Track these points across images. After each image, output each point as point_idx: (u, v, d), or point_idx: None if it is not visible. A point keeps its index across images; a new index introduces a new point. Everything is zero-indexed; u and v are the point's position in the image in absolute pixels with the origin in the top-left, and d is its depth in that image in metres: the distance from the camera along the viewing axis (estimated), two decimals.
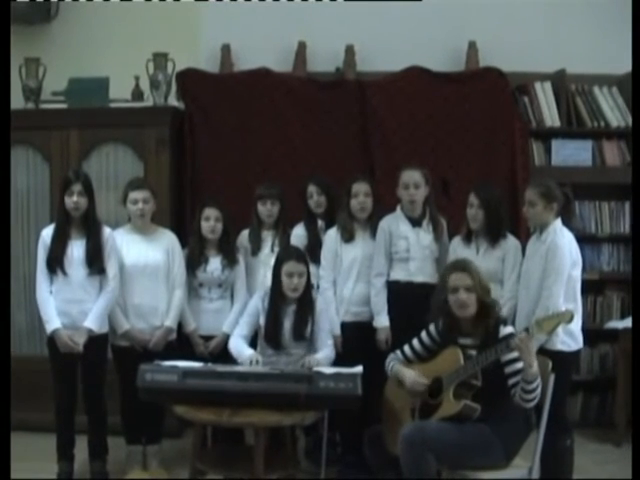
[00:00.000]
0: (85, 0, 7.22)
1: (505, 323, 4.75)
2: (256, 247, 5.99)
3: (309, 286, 5.48)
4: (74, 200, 5.43)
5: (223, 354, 5.61)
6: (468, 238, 5.67)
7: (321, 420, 5.27)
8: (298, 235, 6.03)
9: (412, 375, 4.82)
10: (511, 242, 5.62)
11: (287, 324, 5.38)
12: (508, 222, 5.75)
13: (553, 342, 5.01)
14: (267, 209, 5.98)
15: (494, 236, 5.57)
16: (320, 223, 6.06)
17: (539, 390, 4.48)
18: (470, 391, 4.55)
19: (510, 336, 4.52)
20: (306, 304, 5.42)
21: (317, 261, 5.91)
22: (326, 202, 6.03)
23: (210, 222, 5.82)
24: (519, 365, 4.51)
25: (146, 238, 5.76)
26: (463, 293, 4.69)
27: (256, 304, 5.49)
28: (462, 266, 4.84)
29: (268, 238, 6.01)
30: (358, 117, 6.88)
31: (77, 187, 5.44)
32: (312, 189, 6.02)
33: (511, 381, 4.56)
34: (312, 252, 5.93)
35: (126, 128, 6.65)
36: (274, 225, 6.04)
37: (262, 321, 5.42)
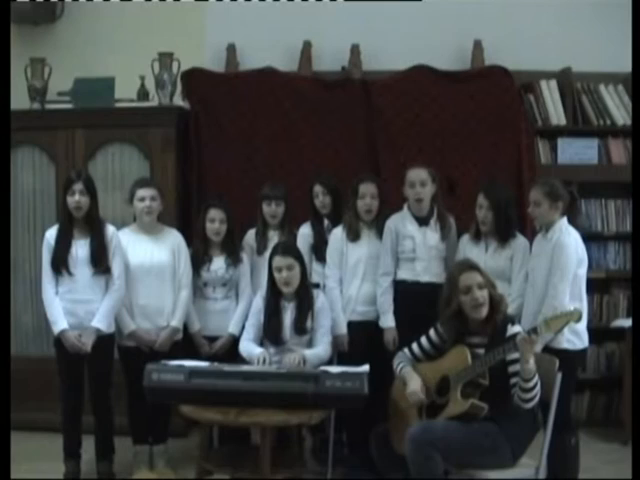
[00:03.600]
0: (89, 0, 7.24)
1: (513, 322, 4.73)
2: (262, 247, 5.99)
3: (305, 280, 5.48)
4: (76, 199, 5.43)
5: (228, 355, 5.62)
6: (477, 236, 5.65)
7: (327, 420, 5.27)
8: (304, 234, 6.03)
9: (413, 386, 4.78)
10: (520, 241, 5.60)
11: (287, 321, 5.39)
12: (517, 222, 5.73)
13: (559, 341, 5.00)
14: (272, 210, 5.97)
15: (504, 236, 5.55)
16: (327, 222, 6.05)
17: (537, 390, 4.48)
18: (477, 390, 4.55)
19: (517, 335, 4.51)
20: (305, 298, 5.42)
21: (323, 260, 5.91)
22: (331, 202, 6.01)
23: (215, 224, 5.81)
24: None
25: (152, 238, 5.76)
26: (477, 291, 4.67)
27: (258, 304, 5.49)
28: (470, 264, 4.84)
29: (274, 238, 5.99)
30: (364, 116, 6.88)
31: (78, 186, 5.44)
32: (318, 189, 6.01)
33: (512, 381, 4.55)
34: (318, 251, 5.94)
35: (132, 128, 6.66)
36: (280, 225, 6.03)
37: (262, 319, 5.44)
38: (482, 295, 4.66)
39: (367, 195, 5.79)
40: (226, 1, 7.20)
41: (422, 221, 5.75)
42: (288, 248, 5.49)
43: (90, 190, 5.51)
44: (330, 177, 6.09)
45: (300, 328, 5.37)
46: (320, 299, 5.50)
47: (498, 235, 5.57)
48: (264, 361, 5.15)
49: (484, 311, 4.67)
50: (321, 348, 5.35)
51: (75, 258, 5.46)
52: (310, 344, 5.39)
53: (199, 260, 5.85)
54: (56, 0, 7.18)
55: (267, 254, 5.79)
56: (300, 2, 7.18)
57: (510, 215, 5.58)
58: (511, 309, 5.22)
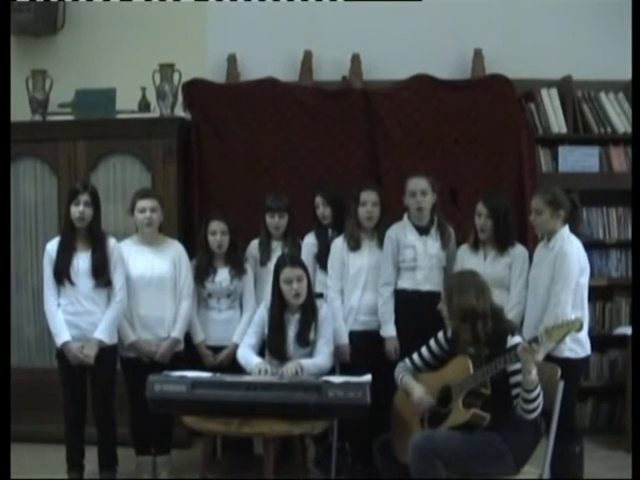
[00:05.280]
0: (91, 9, 7.24)
1: (513, 333, 4.71)
2: (265, 257, 5.98)
3: (311, 291, 5.47)
4: (80, 210, 5.44)
5: (233, 365, 5.60)
6: (476, 246, 5.67)
7: (330, 429, 5.26)
8: (309, 244, 6.04)
9: (419, 392, 4.81)
10: (519, 250, 5.62)
11: (291, 333, 5.37)
12: (516, 230, 5.74)
13: (561, 349, 5.01)
14: (275, 222, 5.97)
15: (502, 245, 5.57)
16: (330, 232, 6.05)
17: (540, 400, 4.47)
18: (479, 400, 4.54)
19: (519, 346, 4.50)
20: (310, 309, 5.40)
21: (327, 269, 5.91)
22: (332, 213, 5.99)
23: (217, 236, 5.81)
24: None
25: (153, 249, 5.77)
26: (440, 304, 4.82)
27: (262, 314, 5.47)
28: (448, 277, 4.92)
29: (277, 248, 5.99)
30: (365, 126, 6.88)
31: (84, 197, 5.45)
32: (318, 200, 6.01)
33: (514, 392, 4.55)
34: (322, 260, 5.95)
35: (133, 139, 6.66)
36: (283, 235, 6.03)
37: (265, 330, 5.43)
38: (441, 307, 4.82)
39: (368, 202, 5.79)
40: (226, 11, 7.21)
41: (423, 230, 5.76)
42: (295, 259, 5.49)
43: (94, 202, 5.52)
44: (332, 188, 6.09)
45: (304, 340, 5.36)
46: (323, 309, 5.48)
47: (497, 243, 5.59)
48: (264, 372, 5.14)
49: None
50: (320, 358, 5.32)
51: (77, 270, 5.47)
52: (312, 355, 5.38)
53: (203, 272, 5.85)
54: (57, 11, 7.19)
55: (270, 265, 5.79)
56: (300, 12, 7.18)
57: (509, 223, 5.60)
58: (509, 316, 5.22)
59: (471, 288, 4.71)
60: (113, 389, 5.62)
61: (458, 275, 5.01)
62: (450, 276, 5.02)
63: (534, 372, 4.41)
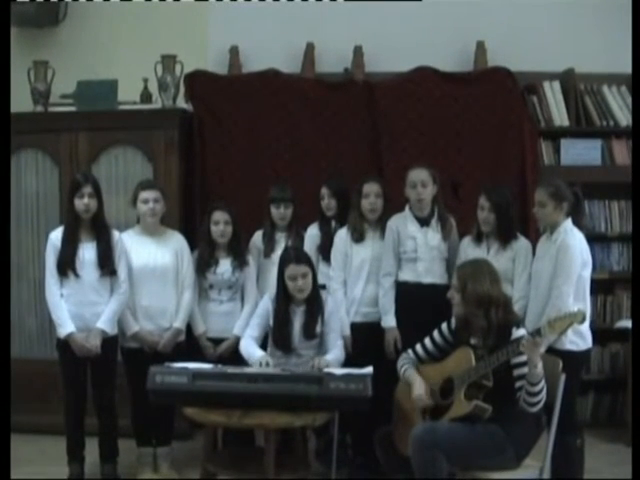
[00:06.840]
0: (93, 2, 7.23)
1: (518, 325, 4.71)
2: (269, 249, 5.99)
3: (316, 285, 5.46)
4: (85, 202, 5.43)
5: (233, 357, 5.60)
6: (479, 238, 5.66)
7: (332, 421, 5.26)
8: (312, 235, 6.03)
9: (418, 390, 4.79)
10: (522, 242, 5.61)
11: (297, 325, 5.36)
12: (519, 223, 5.74)
13: (562, 342, 5.00)
14: (280, 212, 5.98)
15: (505, 238, 5.56)
16: (334, 224, 6.04)
17: (543, 394, 4.47)
18: (481, 391, 4.54)
19: (522, 339, 4.49)
20: (315, 303, 5.39)
21: (329, 261, 5.91)
22: (337, 205, 5.99)
23: (219, 226, 5.81)
24: (526, 369, 4.49)
25: (155, 240, 5.77)
26: (450, 292, 4.82)
27: (266, 305, 5.46)
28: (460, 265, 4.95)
29: (282, 239, 6.00)
30: (367, 118, 6.88)
31: (87, 189, 5.45)
32: (324, 191, 6.01)
33: (517, 384, 4.55)
34: (325, 252, 5.94)
35: (135, 130, 6.65)
36: (287, 227, 6.03)
37: (272, 323, 5.42)
38: (452, 296, 4.83)
39: (371, 194, 5.79)
40: (229, 3, 7.20)
41: (423, 222, 5.75)
42: (301, 255, 5.46)
43: (97, 193, 5.52)
44: (339, 180, 6.07)
45: (309, 333, 5.35)
46: (329, 303, 5.48)
47: (500, 237, 5.57)
48: (265, 365, 5.13)
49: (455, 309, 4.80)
50: (337, 351, 5.34)
51: (82, 260, 5.46)
52: (319, 347, 5.39)
53: (205, 263, 5.84)
54: (59, 2, 7.17)
55: (274, 256, 5.82)
56: (302, 3, 7.18)
57: (511, 216, 5.59)
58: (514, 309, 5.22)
59: (486, 275, 4.74)
60: (114, 380, 5.61)
61: (472, 263, 4.99)
62: (463, 264, 4.99)
63: (540, 365, 4.41)
